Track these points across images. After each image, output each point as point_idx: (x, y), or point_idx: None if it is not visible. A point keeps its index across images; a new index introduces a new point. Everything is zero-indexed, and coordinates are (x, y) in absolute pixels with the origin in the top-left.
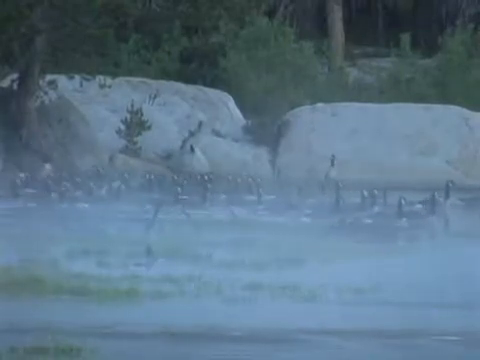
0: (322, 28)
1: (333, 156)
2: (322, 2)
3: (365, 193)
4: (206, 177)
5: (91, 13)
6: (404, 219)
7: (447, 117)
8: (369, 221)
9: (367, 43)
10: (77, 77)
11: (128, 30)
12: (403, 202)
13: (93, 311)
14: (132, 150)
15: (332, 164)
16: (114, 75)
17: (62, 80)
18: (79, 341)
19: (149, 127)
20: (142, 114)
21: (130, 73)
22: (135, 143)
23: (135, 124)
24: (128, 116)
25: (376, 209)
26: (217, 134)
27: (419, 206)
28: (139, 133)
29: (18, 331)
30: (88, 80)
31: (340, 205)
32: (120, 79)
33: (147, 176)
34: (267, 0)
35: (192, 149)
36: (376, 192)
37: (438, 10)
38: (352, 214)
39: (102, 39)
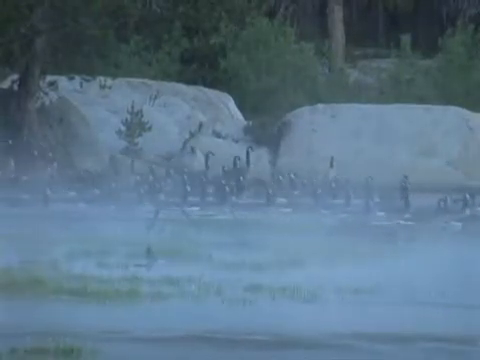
0: (322, 29)
1: (332, 158)
2: (323, 3)
3: (457, 196)
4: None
5: (91, 14)
6: None
7: (447, 118)
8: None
9: (367, 44)
10: (77, 78)
11: (128, 31)
12: None
13: (93, 312)
14: (133, 151)
15: (331, 165)
16: (114, 76)
17: (62, 81)
18: (79, 342)
19: (149, 128)
20: (142, 115)
21: (130, 74)
22: (136, 144)
23: (135, 125)
24: (128, 117)
25: (467, 212)
26: (217, 135)
27: None
28: (139, 134)
29: (18, 332)
30: (88, 81)
31: (441, 207)
32: (120, 80)
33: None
34: (267, 1)
35: (193, 151)
36: (468, 196)
37: (438, 11)
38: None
39: (102, 40)
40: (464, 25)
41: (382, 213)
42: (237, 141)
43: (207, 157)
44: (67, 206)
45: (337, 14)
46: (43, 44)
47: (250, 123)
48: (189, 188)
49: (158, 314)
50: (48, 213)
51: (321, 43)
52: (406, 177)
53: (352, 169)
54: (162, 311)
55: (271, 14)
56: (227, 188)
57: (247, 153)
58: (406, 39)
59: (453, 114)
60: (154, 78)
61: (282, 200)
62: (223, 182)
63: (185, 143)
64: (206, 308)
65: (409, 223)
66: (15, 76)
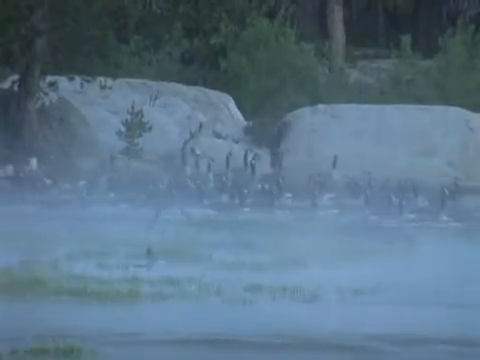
0: (322, 29)
1: (335, 157)
2: (323, 3)
3: None
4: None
5: (91, 14)
6: None
7: (448, 118)
8: None
9: (368, 44)
10: (78, 78)
11: (129, 31)
12: None
13: (93, 312)
14: (133, 151)
15: (334, 166)
16: (115, 76)
17: (63, 81)
18: (79, 342)
19: (150, 128)
20: (143, 115)
21: (131, 74)
22: (136, 144)
23: (136, 125)
24: (129, 117)
25: None
26: (218, 135)
27: None
28: (140, 134)
29: (19, 332)
30: (89, 81)
31: None
32: (121, 80)
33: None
34: (267, 1)
35: (193, 151)
36: None
37: (439, 11)
38: None
39: (103, 40)
40: (464, 25)
41: (412, 214)
42: (237, 141)
43: (228, 160)
44: (110, 209)
45: (337, 14)
46: (43, 44)
47: (250, 123)
48: (246, 190)
49: (158, 314)
50: (87, 214)
51: (321, 43)
52: (457, 179)
53: (352, 169)
54: (162, 311)
55: (271, 14)
56: (273, 190)
57: (275, 155)
58: (406, 39)
59: (453, 114)
60: (154, 78)
61: (327, 202)
62: (267, 185)
63: (185, 143)
64: (206, 308)
65: (456, 224)
66: (15, 76)
